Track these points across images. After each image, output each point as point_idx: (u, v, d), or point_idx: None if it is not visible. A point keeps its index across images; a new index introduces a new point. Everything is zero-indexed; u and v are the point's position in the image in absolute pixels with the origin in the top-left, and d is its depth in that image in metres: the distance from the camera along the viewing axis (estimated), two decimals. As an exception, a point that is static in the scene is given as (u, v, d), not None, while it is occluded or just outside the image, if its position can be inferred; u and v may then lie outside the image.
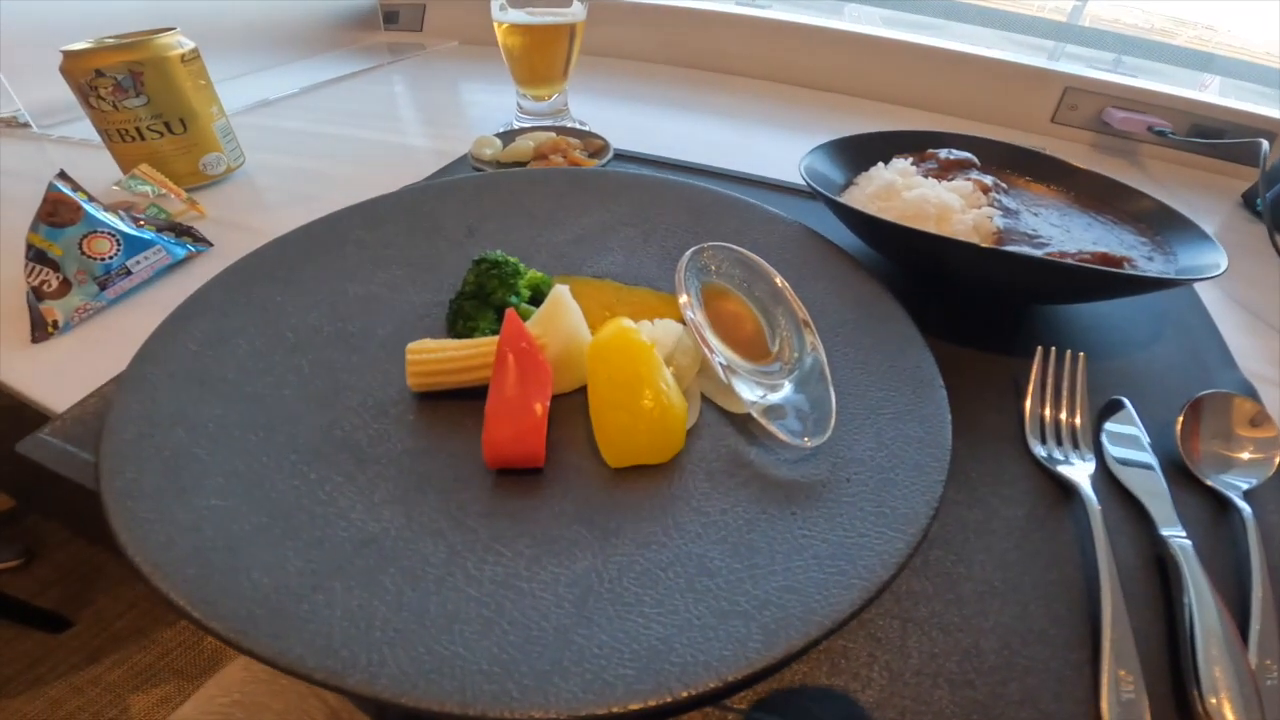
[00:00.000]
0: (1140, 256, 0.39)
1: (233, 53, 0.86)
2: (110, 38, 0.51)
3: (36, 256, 0.37)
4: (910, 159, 0.47)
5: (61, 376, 0.34)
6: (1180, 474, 0.31)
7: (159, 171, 0.49)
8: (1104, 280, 0.34)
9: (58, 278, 0.37)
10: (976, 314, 0.40)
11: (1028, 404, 0.33)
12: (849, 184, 0.47)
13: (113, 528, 0.22)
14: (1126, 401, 0.33)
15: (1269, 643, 0.24)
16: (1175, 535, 0.27)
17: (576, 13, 0.56)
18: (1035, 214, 0.43)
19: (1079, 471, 0.30)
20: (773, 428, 0.27)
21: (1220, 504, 0.29)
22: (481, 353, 0.29)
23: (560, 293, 0.31)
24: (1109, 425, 0.32)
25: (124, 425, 0.26)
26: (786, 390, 0.30)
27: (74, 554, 1.09)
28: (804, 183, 0.41)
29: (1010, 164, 0.49)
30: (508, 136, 0.53)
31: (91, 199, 0.41)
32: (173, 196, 0.48)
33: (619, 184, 0.43)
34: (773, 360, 0.32)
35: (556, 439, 0.28)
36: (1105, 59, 0.96)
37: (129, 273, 0.39)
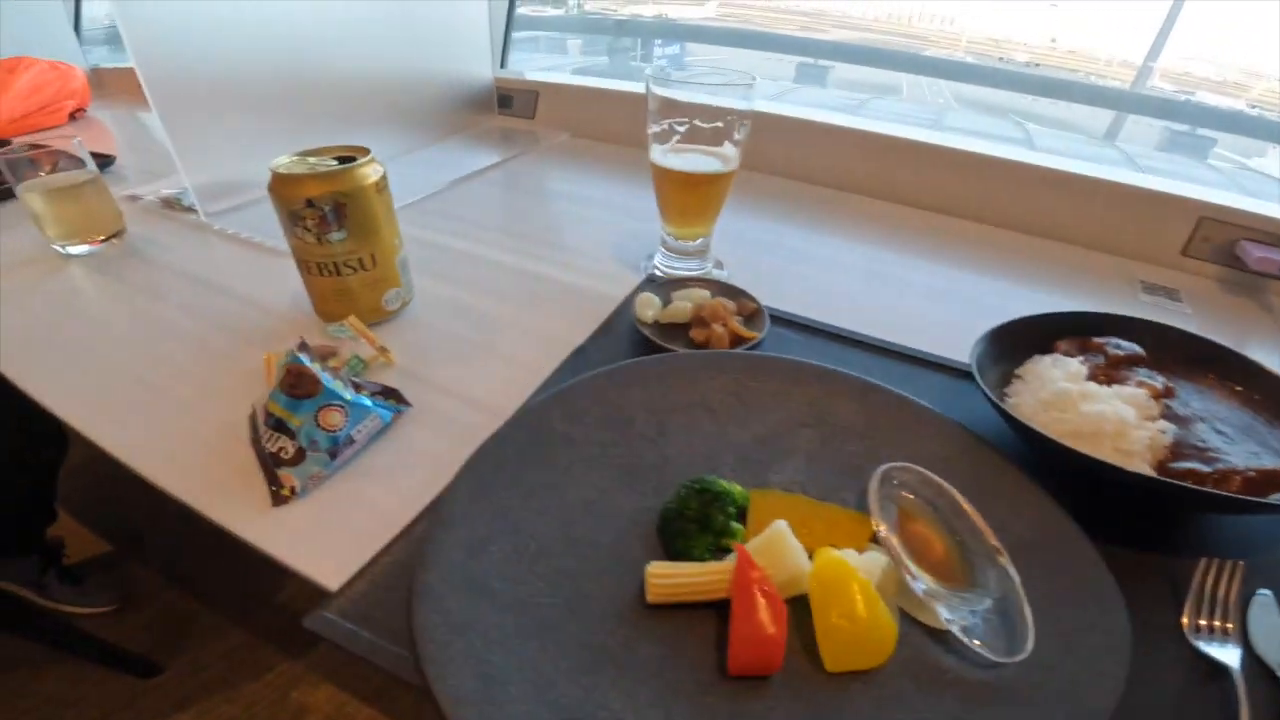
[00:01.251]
0: None
1: (367, 133, 0.91)
2: (309, 155, 0.51)
3: (276, 425, 0.41)
4: (1076, 351, 0.47)
5: (301, 539, 0.38)
6: None
7: (353, 315, 0.52)
8: (1264, 508, 0.36)
9: (294, 445, 0.41)
10: (1140, 518, 0.41)
11: (1188, 608, 0.36)
12: (1011, 374, 0.48)
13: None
14: (1270, 593, 0.37)
15: None
16: None
17: (732, 159, 0.58)
18: (1203, 419, 0.43)
19: (1228, 654, 0.33)
20: (974, 646, 0.31)
21: None
22: (716, 579, 0.33)
23: (781, 530, 0.34)
24: (1253, 612, 0.36)
25: (429, 632, 0.29)
26: (983, 609, 0.33)
27: (168, 602, 1.16)
28: (976, 383, 0.43)
29: (1175, 350, 0.49)
30: (661, 292, 0.55)
31: (324, 367, 0.44)
32: (366, 343, 0.51)
33: (792, 375, 0.45)
34: (966, 582, 0.34)
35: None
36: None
37: (352, 441, 0.42)
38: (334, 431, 0.41)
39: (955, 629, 0.32)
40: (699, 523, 0.35)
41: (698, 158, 0.57)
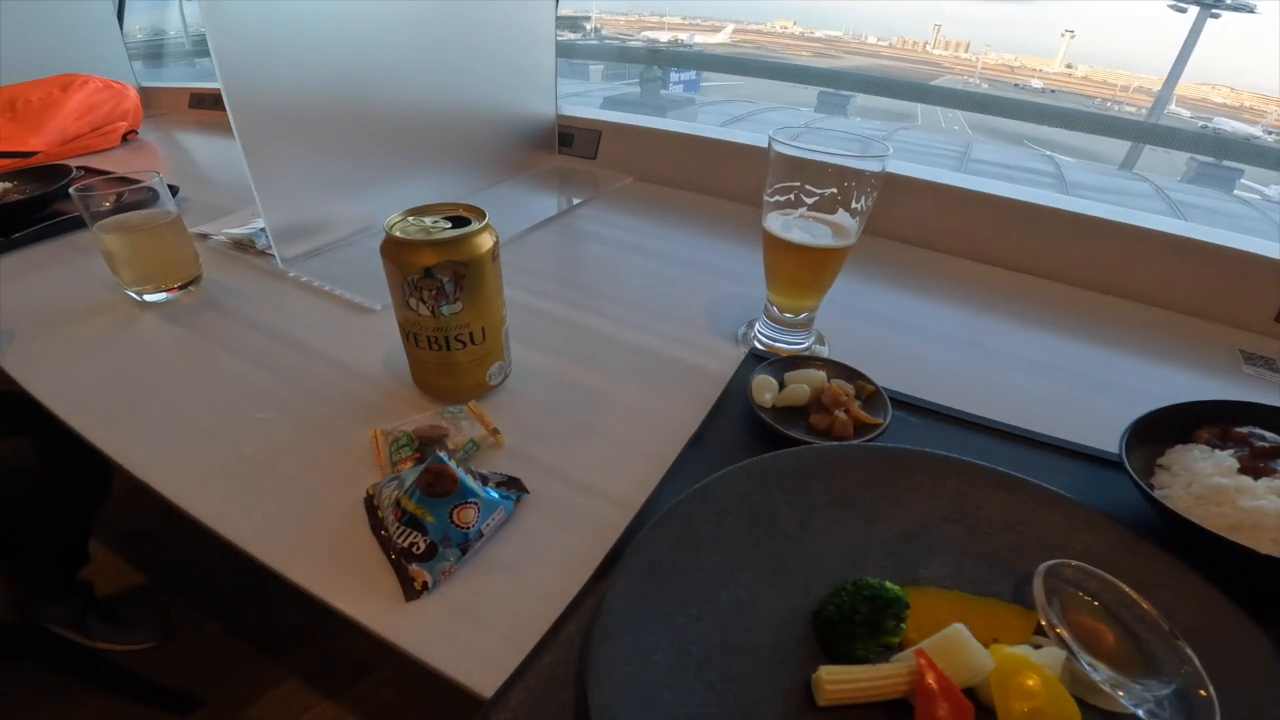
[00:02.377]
0: None
1: (431, 174, 0.90)
2: (421, 213, 0.48)
3: (409, 521, 0.40)
4: (1219, 441, 0.46)
5: (439, 638, 0.37)
6: None
7: (466, 395, 0.50)
8: None
9: (426, 541, 0.40)
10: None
11: None
12: (1154, 464, 0.47)
13: None
14: None
15: None
16: None
17: (851, 231, 0.55)
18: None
19: None
20: None
21: None
22: (890, 682, 0.32)
23: (960, 632, 0.33)
24: None
25: None
26: (1165, 694, 0.33)
27: (208, 634, 1.14)
28: (1128, 475, 0.42)
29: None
30: (775, 371, 0.54)
31: (458, 462, 0.43)
32: (480, 425, 0.50)
33: (929, 469, 0.44)
34: (1144, 669, 0.34)
35: None
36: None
37: (482, 535, 0.41)
38: (467, 528, 0.40)
39: (1141, 712, 0.31)
40: (868, 627, 0.34)
41: (814, 226, 0.55)
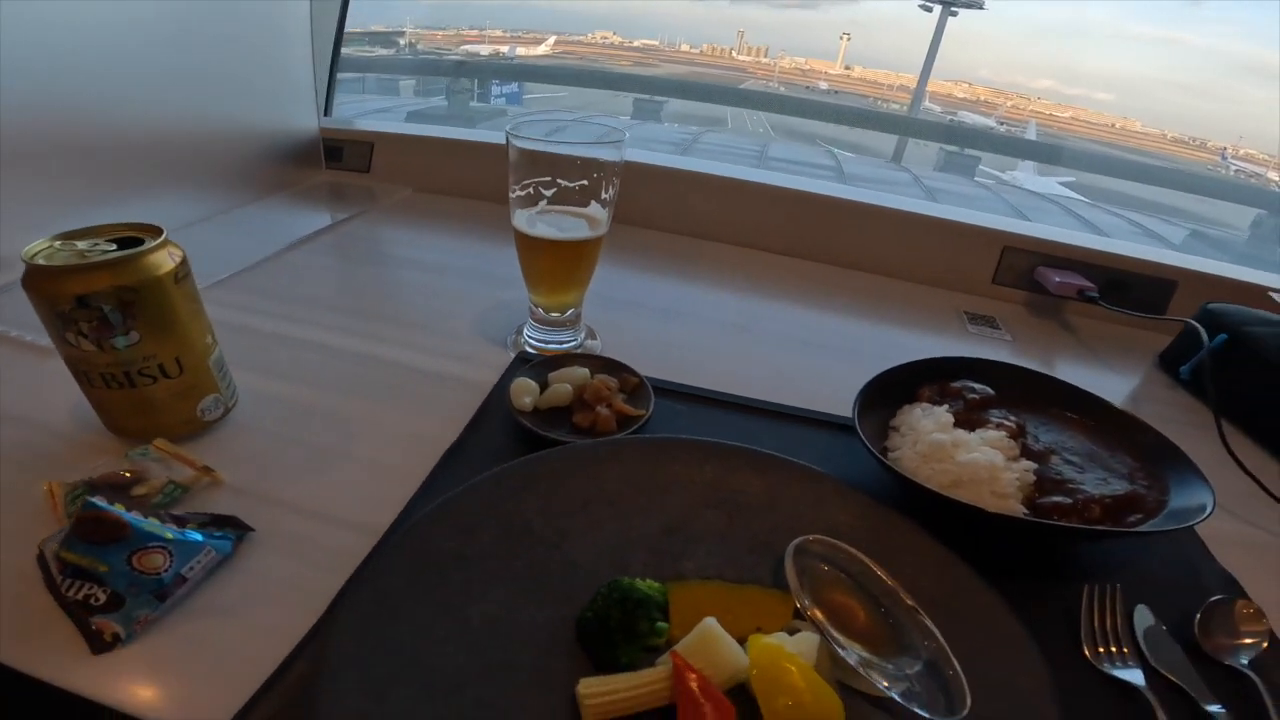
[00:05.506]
0: (1141, 487, 0.45)
1: (156, 199, 0.79)
2: (76, 236, 0.42)
3: (74, 573, 0.34)
4: (938, 400, 0.50)
5: (139, 685, 0.32)
6: (1200, 657, 0.38)
7: (159, 433, 0.43)
8: (1126, 536, 0.41)
9: (106, 592, 0.33)
10: (1021, 554, 0.44)
11: (1083, 632, 0.39)
12: (887, 425, 0.50)
13: None
14: (1146, 607, 0.41)
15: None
16: (1215, 709, 0.34)
17: (601, 222, 0.55)
18: (1054, 452, 0.48)
19: (1133, 675, 0.36)
20: (916, 711, 0.31)
21: (1236, 677, 0.37)
22: (652, 689, 0.31)
23: (711, 627, 0.33)
24: (1142, 627, 0.39)
25: None
26: (915, 671, 0.33)
27: None
28: (859, 439, 0.45)
29: (1018, 386, 0.53)
30: (535, 373, 0.51)
31: (130, 507, 0.36)
32: (182, 465, 0.43)
33: (686, 456, 0.44)
34: (895, 646, 0.35)
35: None
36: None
37: (184, 580, 0.35)
38: (158, 573, 0.34)
39: (895, 695, 0.31)
40: (623, 632, 0.33)
41: (564, 220, 0.54)
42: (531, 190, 0.53)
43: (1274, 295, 0.75)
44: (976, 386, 0.51)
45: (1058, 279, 0.80)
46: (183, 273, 0.43)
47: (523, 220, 0.54)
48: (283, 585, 0.37)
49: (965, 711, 0.31)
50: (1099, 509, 0.42)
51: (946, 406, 0.49)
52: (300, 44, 0.95)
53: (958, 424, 0.48)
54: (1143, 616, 0.40)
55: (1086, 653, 0.37)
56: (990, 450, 0.44)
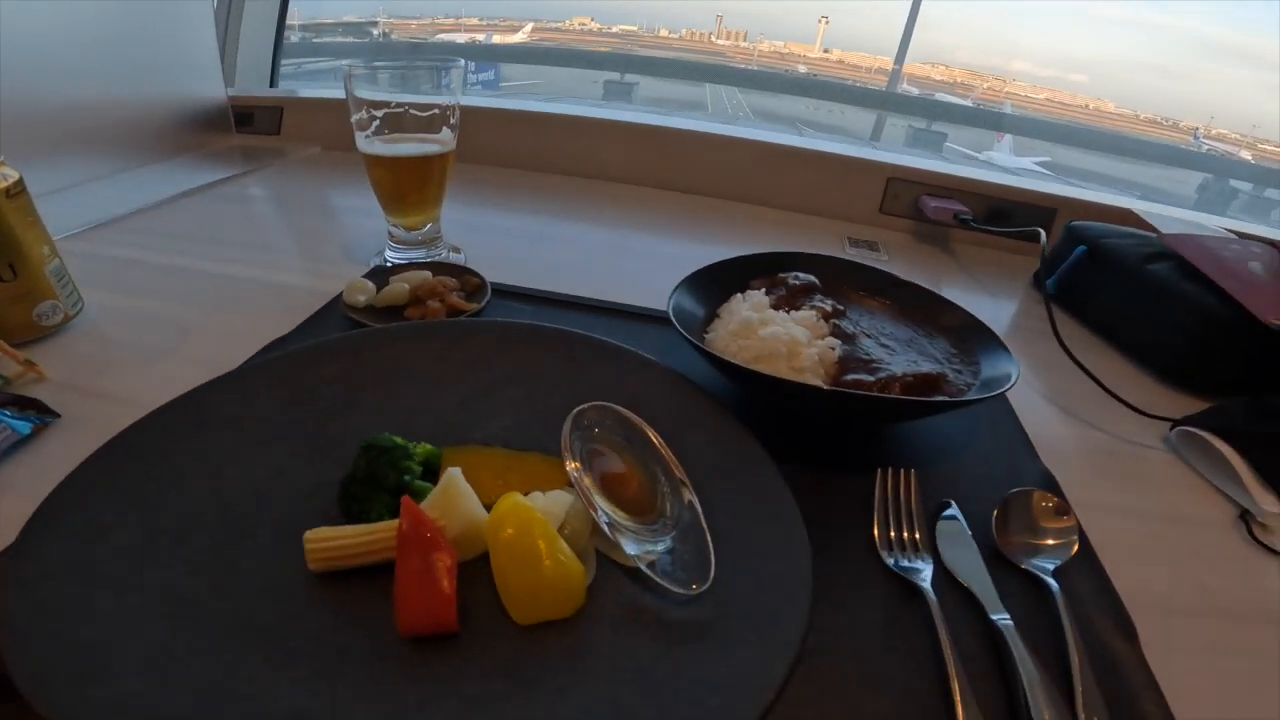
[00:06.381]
0: (951, 370, 0.46)
1: (58, 160, 0.79)
2: None
3: None
4: (764, 288, 0.52)
5: None
6: (1002, 561, 0.36)
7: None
8: (923, 407, 0.40)
9: None
10: (832, 436, 0.45)
11: (875, 520, 0.38)
12: (714, 315, 0.51)
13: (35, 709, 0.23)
14: (953, 503, 0.39)
15: (1091, 699, 0.29)
16: (1001, 618, 0.32)
17: (446, 141, 0.58)
18: (869, 335, 0.49)
19: (921, 574, 0.35)
20: (658, 578, 0.31)
21: (1036, 584, 0.35)
22: (381, 537, 0.31)
23: (453, 477, 0.33)
24: (941, 525, 0.38)
25: (12, 622, 0.26)
26: (668, 543, 0.33)
27: None
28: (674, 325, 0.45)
29: (847, 279, 0.56)
30: (380, 278, 0.53)
31: None
32: (6, 359, 0.44)
33: (500, 336, 0.45)
34: (656, 515, 0.35)
35: (469, 602, 0.30)
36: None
37: None
38: None
39: (642, 565, 0.31)
40: (368, 483, 0.33)
41: (408, 144, 0.56)
42: (364, 115, 0.56)
43: (1139, 212, 0.78)
44: (802, 275, 0.53)
45: (935, 204, 0.83)
46: (15, 190, 0.46)
47: (363, 142, 0.56)
48: (74, 465, 0.38)
49: (705, 585, 0.30)
50: (899, 386, 0.42)
51: (764, 291, 0.51)
52: (203, 22, 0.97)
53: (783, 309, 0.49)
54: (950, 513, 0.39)
55: (876, 537, 0.37)
56: (795, 327, 0.46)
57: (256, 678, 0.26)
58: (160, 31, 0.90)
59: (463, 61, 0.54)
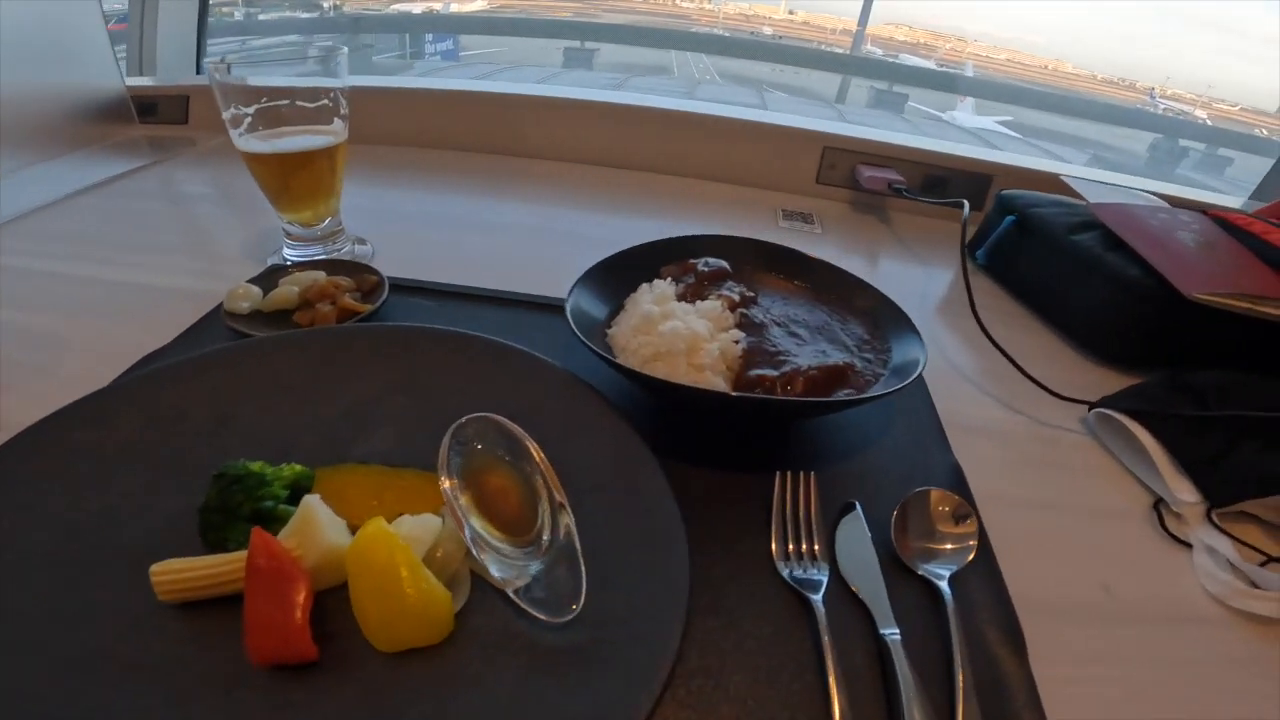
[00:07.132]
0: (861, 359, 0.45)
1: None
2: None
3: None
4: (673, 276, 0.50)
5: None
6: (899, 566, 0.35)
7: None
8: (820, 408, 0.39)
9: None
10: (732, 437, 0.43)
11: (773, 530, 0.36)
12: (619, 309, 0.49)
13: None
14: (857, 505, 0.37)
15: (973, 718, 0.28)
16: (890, 632, 0.30)
17: (337, 132, 0.54)
18: (779, 323, 0.47)
19: (816, 585, 0.33)
20: (522, 603, 0.29)
21: (932, 591, 0.34)
22: (234, 568, 0.29)
23: (309, 504, 0.31)
24: (841, 529, 0.36)
25: None
26: (539, 565, 0.31)
27: None
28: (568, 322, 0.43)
29: (762, 262, 0.54)
30: (268, 280, 0.50)
31: None
32: None
33: (387, 340, 0.42)
34: (535, 534, 0.32)
35: (338, 629, 0.29)
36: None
37: None
38: None
39: (509, 590, 0.30)
40: (222, 512, 0.31)
41: (293, 140, 0.53)
42: (236, 112, 0.52)
43: (1065, 179, 0.77)
44: (712, 261, 0.51)
45: (869, 174, 0.81)
46: None
47: (234, 135, 0.53)
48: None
49: (575, 612, 0.29)
50: (803, 381, 0.40)
51: (672, 280, 0.49)
52: (90, 13, 0.90)
53: (689, 299, 0.47)
54: (852, 515, 0.36)
55: (774, 549, 0.35)
56: (697, 320, 0.43)
57: (107, 706, 0.25)
58: (48, 21, 0.84)
59: (345, 49, 0.51)
